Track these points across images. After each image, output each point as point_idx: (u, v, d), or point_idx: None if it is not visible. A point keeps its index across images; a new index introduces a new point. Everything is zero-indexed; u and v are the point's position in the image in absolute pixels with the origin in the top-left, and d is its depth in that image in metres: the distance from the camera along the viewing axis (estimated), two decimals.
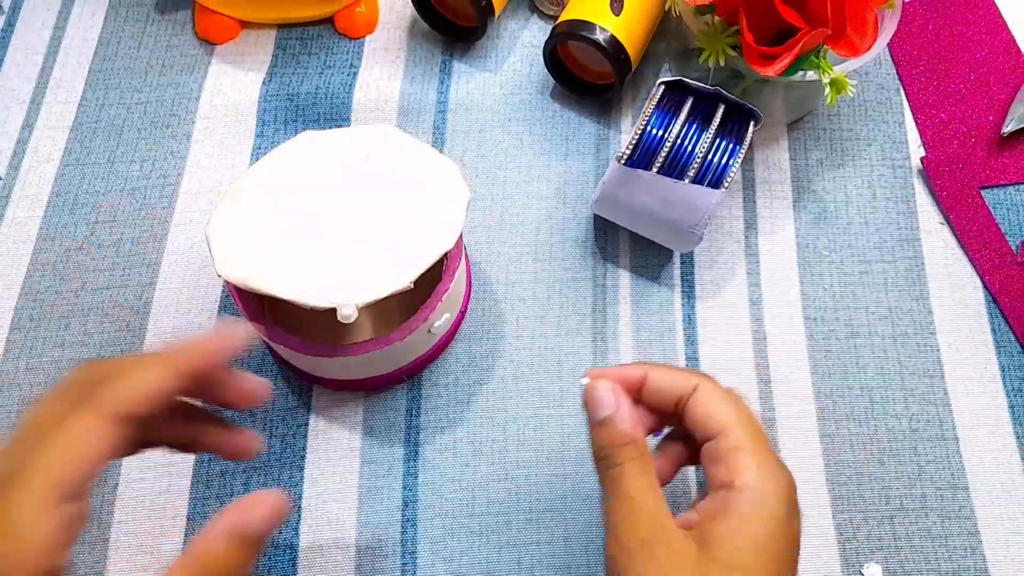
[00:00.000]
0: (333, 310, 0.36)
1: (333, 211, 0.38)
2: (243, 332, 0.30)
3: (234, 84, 0.53)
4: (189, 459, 0.43)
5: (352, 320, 0.35)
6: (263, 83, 0.53)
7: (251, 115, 0.52)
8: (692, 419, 0.32)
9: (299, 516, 0.42)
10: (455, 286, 0.41)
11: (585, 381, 0.33)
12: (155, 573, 0.41)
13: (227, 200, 0.39)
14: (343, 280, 0.36)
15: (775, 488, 0.29)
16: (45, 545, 0.24)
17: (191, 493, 0.42)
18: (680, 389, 0.32)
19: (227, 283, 0.40)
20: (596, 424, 0.32)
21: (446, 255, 0.39)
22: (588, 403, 0.32)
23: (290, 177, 0.39)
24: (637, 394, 0.33)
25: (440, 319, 0.40)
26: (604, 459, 0.31)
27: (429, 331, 0.41)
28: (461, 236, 0.40)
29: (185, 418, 0.31)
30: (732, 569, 0.28)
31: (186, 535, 0.42)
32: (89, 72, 0.54)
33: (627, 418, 0.32)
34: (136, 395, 0.26)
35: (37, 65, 0.54)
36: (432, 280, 0.39)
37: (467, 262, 0.46)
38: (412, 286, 0.36)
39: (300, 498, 0.42)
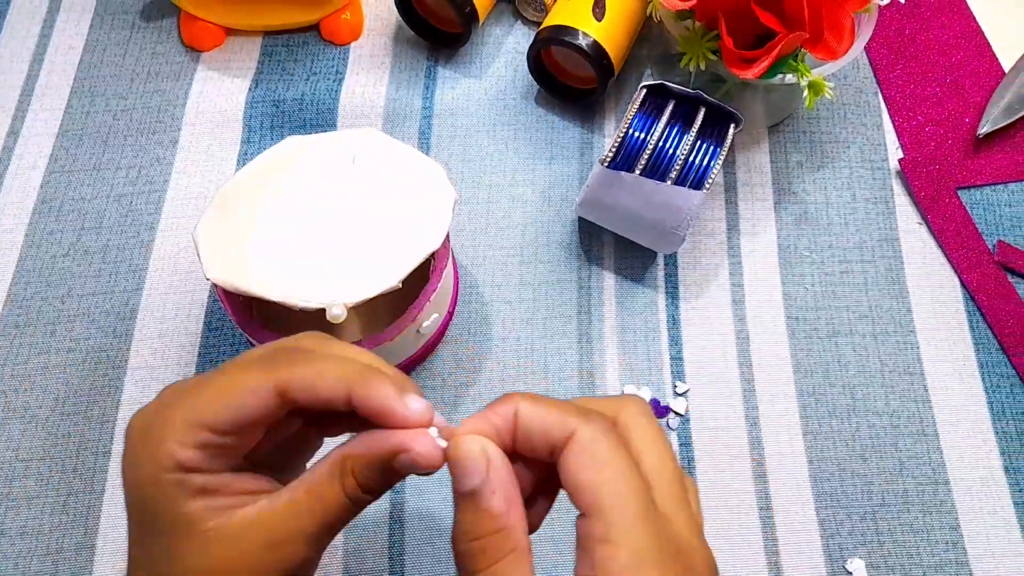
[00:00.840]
0: (322, 311, 0.36)
1: (320, 213, 0.39)
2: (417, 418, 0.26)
3: (220, 91, 0.53)
4: None
5: (341, 320, 0.36)
6: (249, 90, 0.53)
7: (237, 121, 0.52)
8: (564, 483, 0.24)
9: None
10: (443, 286, 0.41)
11: (440, 442, 0.25)
12: None
13: (214, 204, 0.39)
14: (331, 281, 0.36)
15: None
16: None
17: None
18: (553, 436, 0.24)
19: (215, 287, 0.40)
20: (461, 497, 0.25)
21: (433, 255, 0.39)
22: (452, 465, 0.25)
23: (277, 181, 0.40)
24: (513, 442, 0.25)
25: (428, 319, 0.41)
26: (464, 554, 0.24)
27: (418, 331, 0.41)
28: (448, 236, 0.41)
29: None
30: None
31: None
32: (75, 79, 0.54)
33: (500, 492, 0.24)
34: (306, 387, 0.25)
35: (22, 72, 0.54)
36: (419, 280, 0.40)
37: (454, 263, 0.46)
38: (400, 285, 0.37)
39: None
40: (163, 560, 0.26)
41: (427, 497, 0.42)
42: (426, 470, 0.25)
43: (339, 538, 0.42)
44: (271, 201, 0.39)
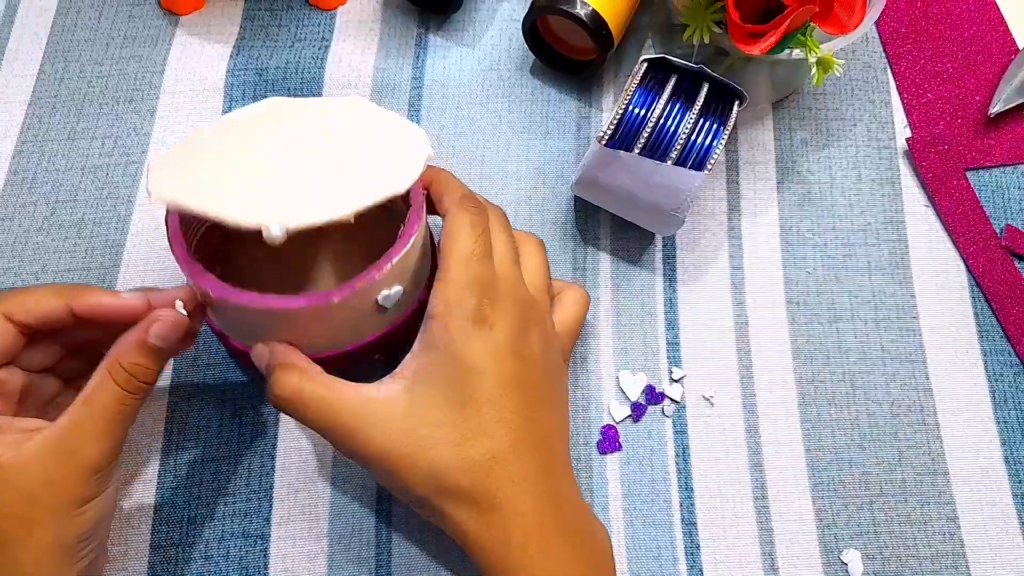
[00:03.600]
0: (283, 257, 0.33)
1: (286, 150, 0.36)
2: (142, 301, 0.33)
3: (200, 57, 0.51)
4: (156, 447, 0.42)
5: (277, 243, 0.32)
6: (230, 56, 0.51)
7: (218, 90, 0.50)
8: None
9: (271, 506, 0.41)
10: (416, 261, 0.38)
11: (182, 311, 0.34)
12: (123, 564, 0.40)
13: (177, 145, 0.36)
14: (280, 204, 0.33)
15: (460, 314, 0.34)
16: None
17: (158, 483, 0.41)
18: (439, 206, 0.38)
19: (170, 238, 0.35)
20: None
21: (404, 218, 0.37)
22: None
23: (249, 129, 0.37)
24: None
25: (391, 289, 0.36)
26: (286, 400, 0.33)
27: (377, 303, 0.37)
28: (424, 203, 0.37)
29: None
30: (436, 406, 0.33)
31: (154, 524, 0.40)
32: (47, 44, 0.51)
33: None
34: (27, 308, 0.32)
35: None
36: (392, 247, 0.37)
37: (433, 244, 0.43)
38: (352, 219, 0.33)
39: (272, 488, 0.41)
40: None
41: None
42: (177, 336, 0.33)
43: (323, 526, 0.41)
44: (238, 142, 0.36)
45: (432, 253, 0.41)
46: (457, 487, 0.32)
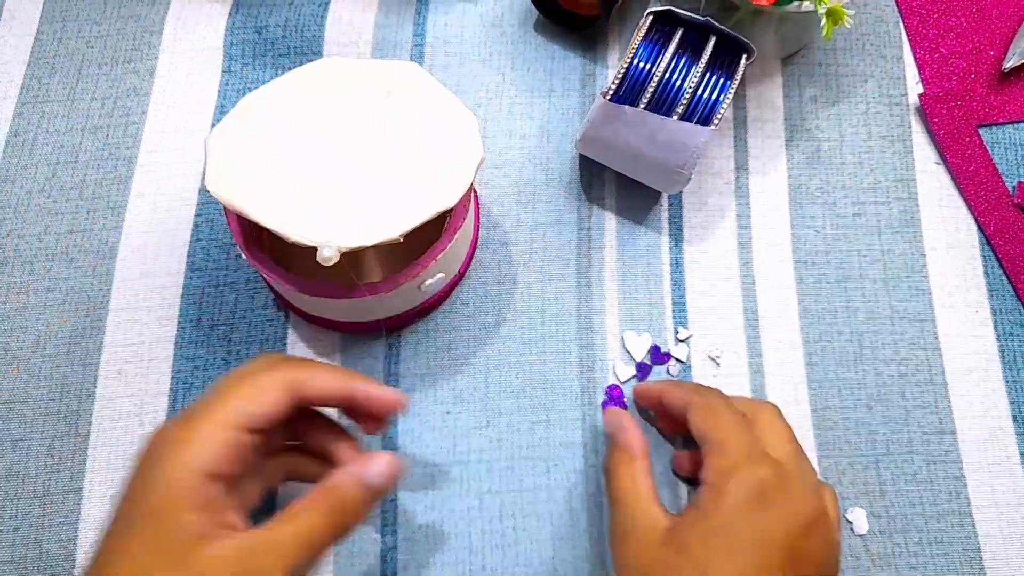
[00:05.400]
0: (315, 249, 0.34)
1: (341, 146, 0.36)
2: (394, 398, 0.34)
3: (198, 17, 0.50)
4: (162, 407, 0.42)
5: (332, 263, 0.34)
6: (229, 15, 0.50)
7: (217, 49, 0.49)
8: (693, 432, 0.36)
9: None
10: (455, 247, 0.39)
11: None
12: None
13: (235, 113, 0.37)
14: (333, 220, 0.34)
15: (738, 483, 0.33)
16: None
17: None
18: (680, 406, 0.38)
19: (243, 246, 0.38)
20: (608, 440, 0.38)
21: (450, 213, 0.37)
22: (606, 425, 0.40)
23: (305, 101, 0.37)
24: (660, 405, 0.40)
25: (433, 278, 0.39)
26: (605, 471, 0.37)
27: (419, 288, 0.39)
28: (469, 195, 0.38)
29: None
30: (682, 551, 0.32)
31: None
32: (44, 3, 0.51)
33: (630, 428, 0.38)
34: (314, 386, 0.32)
35: None
36: (434, 235, 0.38)
37: (476, 226, 0.44)
38: (401, 239, 0.35)
39: None
40: (143, 555, 0.27)
41: (421, 442, 0.41)
42: (395, 480, 0.32)
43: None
44: (295, 121, 0.36)
45: (474, 236, 0.43)
46: None
